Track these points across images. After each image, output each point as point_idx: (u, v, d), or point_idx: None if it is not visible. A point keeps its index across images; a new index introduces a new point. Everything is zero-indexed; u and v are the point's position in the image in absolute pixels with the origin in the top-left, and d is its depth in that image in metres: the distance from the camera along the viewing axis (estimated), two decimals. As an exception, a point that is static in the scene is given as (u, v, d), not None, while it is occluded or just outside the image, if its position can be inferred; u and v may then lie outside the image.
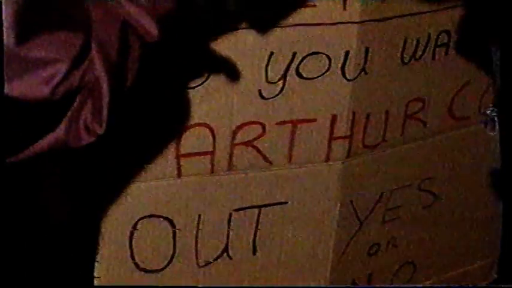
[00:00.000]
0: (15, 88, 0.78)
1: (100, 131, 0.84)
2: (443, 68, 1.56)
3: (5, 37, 0.76)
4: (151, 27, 0.88)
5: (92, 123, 0.84)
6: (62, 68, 0.80)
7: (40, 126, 0.82)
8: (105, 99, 0.84)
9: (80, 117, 0.83)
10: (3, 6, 0.76)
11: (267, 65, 1.36)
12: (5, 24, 0.76)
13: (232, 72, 1.33)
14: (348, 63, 1.41)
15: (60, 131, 0.83)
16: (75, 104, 0.82)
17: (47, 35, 0.79)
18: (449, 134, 1.65)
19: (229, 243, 1.49)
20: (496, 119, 1.05)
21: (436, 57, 1.54)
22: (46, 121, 0.82)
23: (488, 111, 1.07)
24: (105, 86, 0.83)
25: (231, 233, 1.48)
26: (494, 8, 1.04)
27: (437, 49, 1.53)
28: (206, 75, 1.32)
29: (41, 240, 1.10)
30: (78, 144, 0.84)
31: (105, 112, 0.84)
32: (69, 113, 0.83)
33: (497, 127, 1.05)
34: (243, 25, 1.31)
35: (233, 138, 1.40)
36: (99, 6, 0.85)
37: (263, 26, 1.32)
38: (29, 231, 1.05)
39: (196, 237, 1.45)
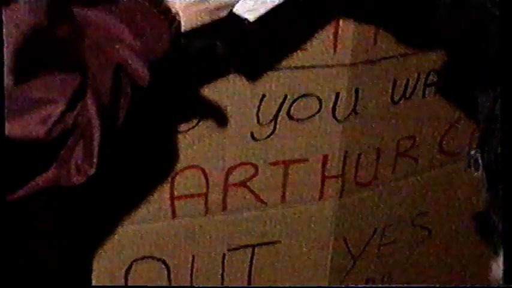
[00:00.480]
0: (15, 128, 0.79)
1: (90, 171, 0.86)
2: (434, 106, 1.58)
3: (5, 78, 0.78)
4: (143, 72, 0.91)
5: (83, 163, 0.85)
6: (58, 109, 0.82)
7: (33, 166, 0.84)
8: (96, 141, 0.85)
9: (71, 158, 0.85)
10: (4, 48, 0.78)
11: (258, 107, 1.38)
12: (5, 65, 0.78)
13: (224, 115, 1.35)
14: (338, 104, 1.43)
15: (52, 170, 0.85)
16: (67, 145, 0.84)
17: (44, 77, 0.81)
18: (441, 169, 1.66)
19: (224, 283, 1.50)
20: (479, 160, 1.06)
21: (426, 96, 1.56)
22: (39, 161, 0.83)
23: (472, 152, 1.08)
24: (96, 128, 0.85)
25: (225, 273, 1.49)
26: (479, 53, 1.06)
27: (427, 88, 1.55)
28: (198, 118, 1.34)
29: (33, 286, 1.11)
30: (69, 183, 0.86)
31: (96, 153, 0.85)
32: (61, 153, 0.84)
33: (481, 168, 1.07)
34: (235, 69, 1.33)
35: (226, 179, 1.42)
36: (94, 50, 0.87)
37: (254, 69, 1.34)
38: (20, 277, 1.06)
39: (191, 277, 1.46)
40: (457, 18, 1.00)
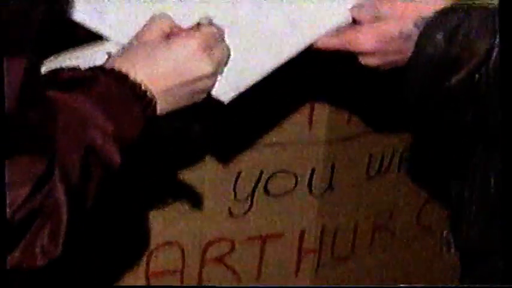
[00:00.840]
0: None
1: (56, 253, 0.85)
2: (410, 180, 1.60)
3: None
4: (114, 155, 0.91)
5: (49, 245, 0.85)
6: (24, 191, 0.82)
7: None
8: (63, 223, 0.85)
9: (37, 239, 0.84)
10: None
11: (235, 184, 1.40)
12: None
13: (201, 192, 1.36)
14: (314, 179, 1.44)
15: (15, 254, 0.84)
16: (33, 226, 0.84)
17: (11, 160, 0.81)
18: (418, 243, 1.67)
19: None
20: (452, 241, 1.08)
21: (402, 170, 1.58)
22: (3, 242, 0.83)
23: (445, 233, 1.10)
24: (64, 210, 0.85)
25: None
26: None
27: (403, 163, 1.57)
28: (175, 195, 1.35)
29: None
30: (33, 265, 0.85)
31: (62, 235, 0.85)
32: (27, 235, 0.84)
33: (453, 249, 1.09)
34: (211, 147, 1.35)
35: (203, 255, 1.42)
36: (64, 132, 0.88)
37: (230, 146, 1.35)
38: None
39: None
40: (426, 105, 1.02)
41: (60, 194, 0.84)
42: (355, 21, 1.04)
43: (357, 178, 1.51)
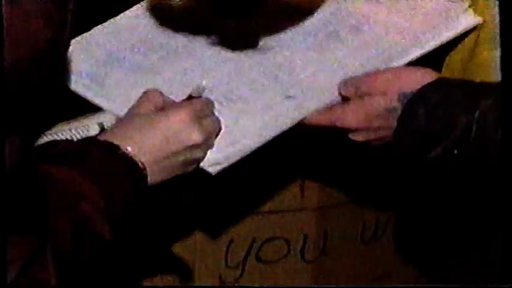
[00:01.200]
0: None
1: None
2: (406, 245, 1.60)
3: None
4: (105, 228, 0.92)
5: None
6: (13, 269, 0.83)
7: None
8: None
9: None
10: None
11: (226, 251, 1.40)
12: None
13: (191, 261, 1.36)
14: (307, 246, 1.45)
15: None
16: None
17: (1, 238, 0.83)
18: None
19: None
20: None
21: (398, 234, 1.58)
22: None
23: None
24: (54, 285, 0.86)
25: None
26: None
27: (399, 227, 1.57)
28: (165, 267, 1.36)
29: None
30: None
31: None
32: None
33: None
34: (203, 215, 1.36)
35: (194, 321, 1.42)
36: (56, 206, 0.88)
37: (222, 215, 1.37)
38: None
39: None
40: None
41: (50, 269, 0.85)
42: (344, 98, 1.07)
43: (350, 244, 1.51)
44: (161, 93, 1.05)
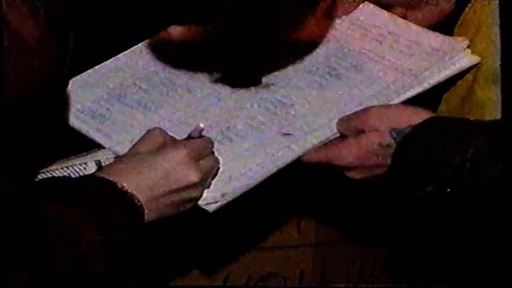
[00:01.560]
0: None
1: None
2: (406, 280, 1.59)
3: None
4: (101, 264, 0.93)
5: None
6: None
7: None
8: None
9: None
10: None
11: (223, 286, 1.40)
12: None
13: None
14: (304, 282, 1.45)
15: None
16: None
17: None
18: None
19: None
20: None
21: (396, 271, 1.58)
22: None
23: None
24: None
25: None
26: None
27: (396, 264, 1.57)
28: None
29: None
30: None
31: None
32: None
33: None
34: (199, 251, 1.36)
35: None
36: (53, 243, 0.89)
37: (218, 251, 1.37)
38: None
39: None
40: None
41: None
42: (342, 136, 1.08)
43: (349, 279, 1.51)
44: (163, 132, 1.06)
